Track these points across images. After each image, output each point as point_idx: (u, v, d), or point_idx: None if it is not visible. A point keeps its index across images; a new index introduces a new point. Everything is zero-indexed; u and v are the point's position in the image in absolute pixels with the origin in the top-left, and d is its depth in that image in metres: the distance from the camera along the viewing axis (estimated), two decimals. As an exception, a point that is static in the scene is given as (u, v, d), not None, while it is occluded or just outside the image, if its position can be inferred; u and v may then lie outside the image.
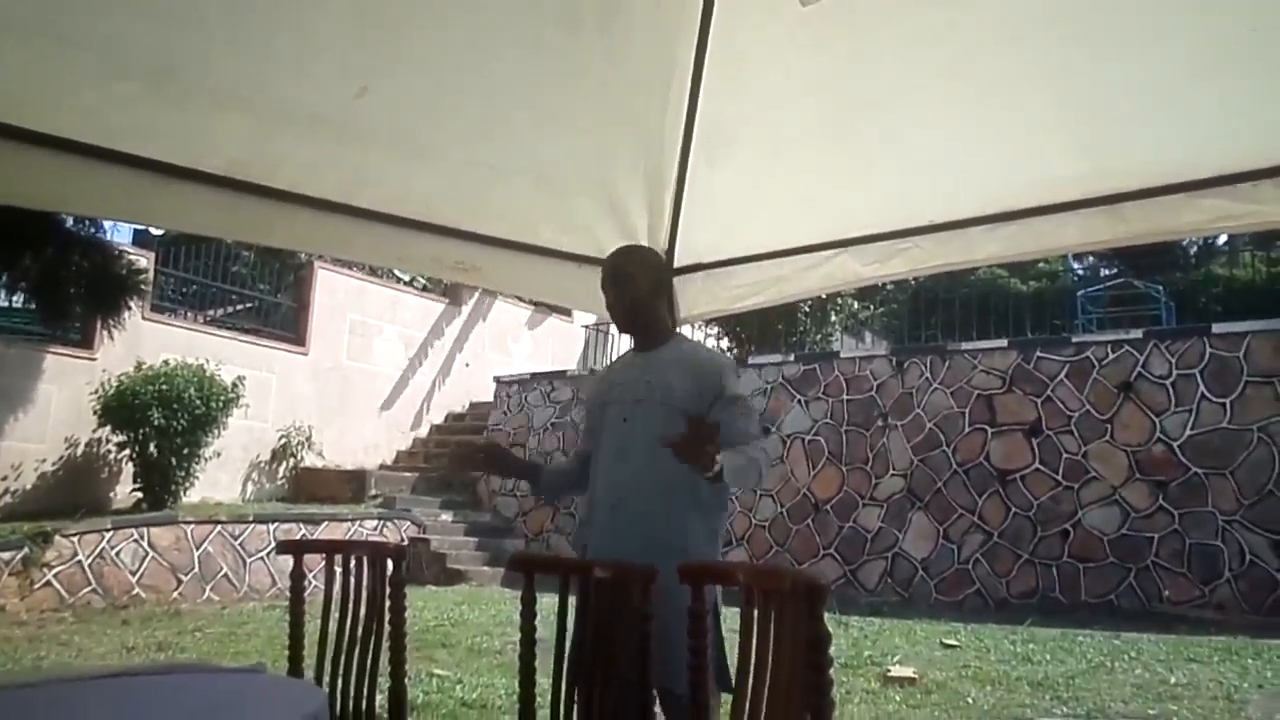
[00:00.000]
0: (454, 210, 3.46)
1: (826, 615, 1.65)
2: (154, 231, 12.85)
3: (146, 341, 10.65)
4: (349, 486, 12.19)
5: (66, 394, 10.05)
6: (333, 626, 2.76)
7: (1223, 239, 17.83)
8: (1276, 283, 14.08)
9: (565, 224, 3.71)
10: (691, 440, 2.35)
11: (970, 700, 5.35)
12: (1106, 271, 21.25)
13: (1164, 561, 8.40)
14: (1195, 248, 20.76)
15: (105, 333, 9.48)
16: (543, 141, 3.27)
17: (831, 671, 1.63)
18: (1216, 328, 8.89)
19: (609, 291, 2.94)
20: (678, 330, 3.12)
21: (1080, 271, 22.64)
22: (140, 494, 10.11)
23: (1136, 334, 9.33)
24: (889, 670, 5.97)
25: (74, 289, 7.69)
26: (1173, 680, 5.72)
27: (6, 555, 8.02)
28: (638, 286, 2.91)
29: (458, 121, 3.10)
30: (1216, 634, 7.11)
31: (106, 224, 8.38)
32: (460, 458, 2.80)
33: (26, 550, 8.11)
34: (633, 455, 2.71)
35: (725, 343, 15.35)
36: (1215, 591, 8.14)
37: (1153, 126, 2.92)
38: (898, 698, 5.39)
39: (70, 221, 7.46)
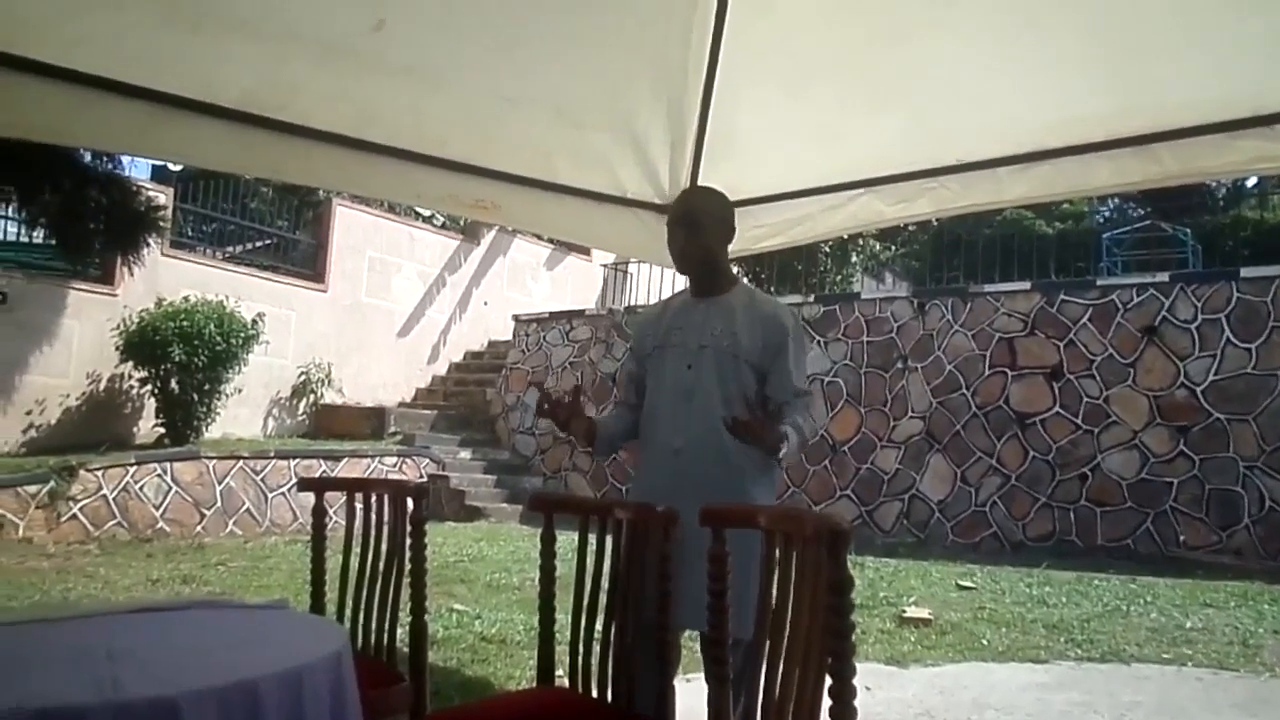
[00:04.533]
0: (469, 145, 3.42)
1: (846, 557, 1.64)
2: (172, 167, 12.82)
3: (166, 278, 10.67)
4: (368, 423, 12.27)
5: (89, 330, 10.11)
6: (354, 562, 2.79)
7: (1253, 181, 17.49)
8: (1307, 226, 13.84)
9: (584, 159, 3.66)
10: (755, 423, 2.43)
11: (985, 642, 5.38)
12: (1134, 213, 20.92)
13: (1182, 506, 8.38)
14: (1225, 190, 20.36)
15: (125, 269, 9.51)
16: (561, 74, 3.20)
17: (852, 616, 1.62)
18: (1244, 272, 8.76)
19: (679, 232, 2.82)
20: (740, 278, 3.03)
21: (1106, 213, 22.30)
22: (163, 429, 10.22)
23: (1163, 277, 9.20)
24: (904, 611, 6.00)
25: (93, 225, 7.66)
26: (1188, 625, 5.73)
27: (33, 489, 8.15)
28: (710, 233, 2.82)
29: (474, 51, 3.04)
30: (1233, 579, 7.10)
31: (124, 159, 8.33)
32: (553, 404, 2.77)
33: (53, 484, 8.22)
34: (698, 401, 2.67)
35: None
36: (1233, 537, 8.12)
37: (1188, 63, 2.84)
38: (913, 638, 5.42)
39: (88, 157, 7.41)
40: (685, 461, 2.63)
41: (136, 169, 12.13)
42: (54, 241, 8.76)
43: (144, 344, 9.89)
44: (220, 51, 2.77)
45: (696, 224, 2.81)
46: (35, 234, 9.57)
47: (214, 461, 9.58)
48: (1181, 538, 8.32)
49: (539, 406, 2.78)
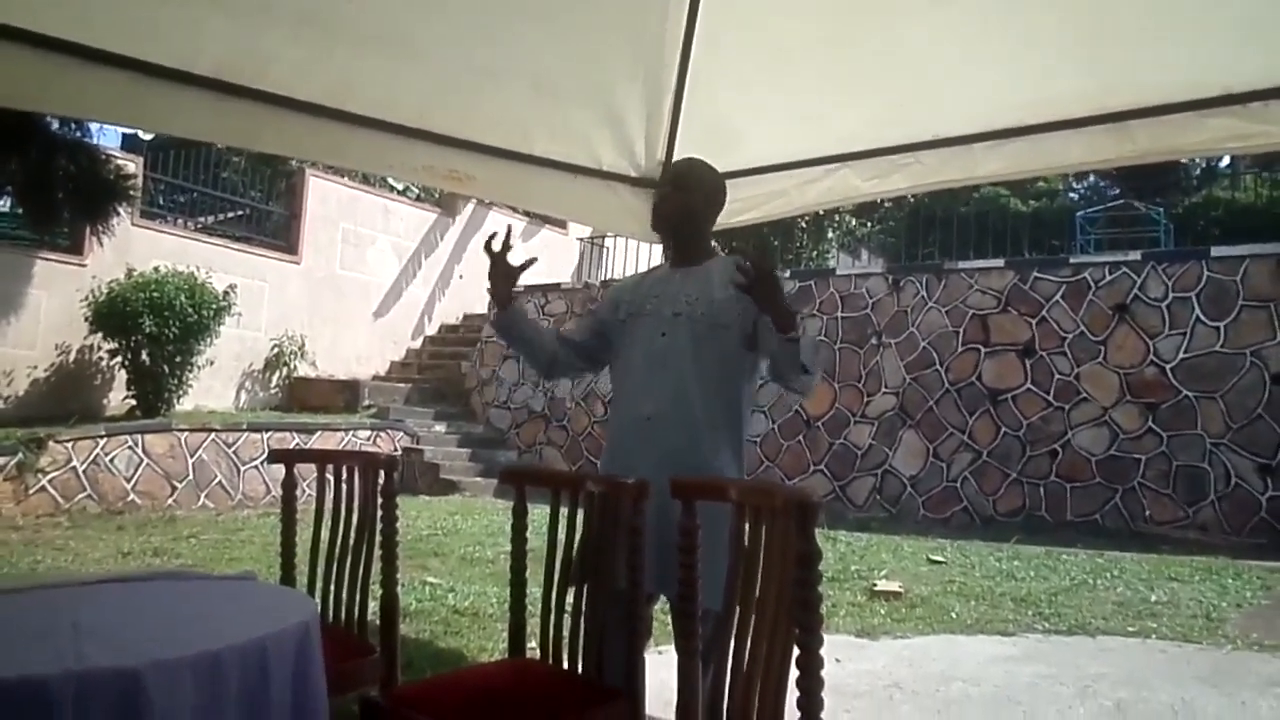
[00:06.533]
0: (447, 116, 3.39)
1: (815, 530, 1.65)
2: (143, 136, 12.62)
3: (136, 248, 10.53)
4: (342, 396, 12.22)
5: (57, 300, 9.98)
6: (325, 535, 2.78)
7: (1225, 161, 17.64)
8: (1277, 206, 13.97)
9: (561, 133, 3.64)
10: (767, 266, 2.46)
11: (954, 615, 5.44)
12: (1108, 192, 21.05)
13: (1150, 483, 8.49)
14: (1198, 170, 20.54)
15: (95, 239, 9.34)
16: (539, 47, 3.18)
17: (820, 587, 1.64)
18: (1215, 251, 8.84)
19: (667, 190, 2.88)
20: (717, 252, 3.01)
21: (1080, 192, 22.45)
22: (133, 401, 10.12)
23: (1134, 256, 9.27)
24: (875, 584, 6.05)
25: (60, 193, 7.53)
26: (1153, 598, 5.82)
27: (0, 460, 8.05)
28: (694, 193, 2.84)
29: (451, 23, 3.01)
30: (1198, 554, 7.21)
31: (93, 127, 8.18)
32: (501, 253, 2.77)
33: (21, 456, 8.12)
34: (670, 369, 2.65)
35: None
36: (1199, 513, 8.24)
37: (1162, 43, 2.85)
38: (883, 611, 5.48)
39: (55, 124, 7.27)
40: (653, 428, 2.62)
41: (105, 137, 11.96)
42: (20, 210, 8.61)
43: (114, 315, 9.76)
44: (194, 19, 2.72)
45: (683, 184, 2.84)
46: (0, 203, 9.40)
47: (185, 434, 9.50)
48: (1148, 513, 8.44)
49: (487, 244, 2.71)
